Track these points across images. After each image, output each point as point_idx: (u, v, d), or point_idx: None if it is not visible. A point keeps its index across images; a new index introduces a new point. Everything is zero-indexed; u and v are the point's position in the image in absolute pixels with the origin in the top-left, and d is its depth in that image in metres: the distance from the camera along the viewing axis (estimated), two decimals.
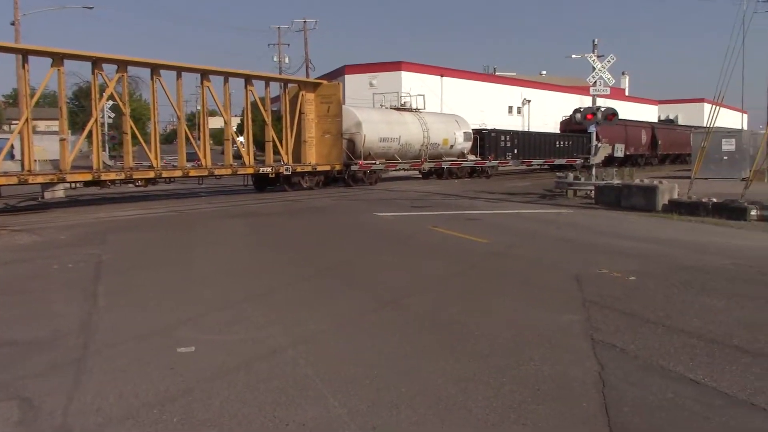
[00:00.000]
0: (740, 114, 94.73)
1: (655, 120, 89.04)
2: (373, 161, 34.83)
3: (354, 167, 33.58)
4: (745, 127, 70.07)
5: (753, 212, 18.14)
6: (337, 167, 33.33)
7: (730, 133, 39.44)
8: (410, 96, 41.63)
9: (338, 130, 33.14)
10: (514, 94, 72.72)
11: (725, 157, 36.60)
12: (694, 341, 6.80)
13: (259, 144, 35.12)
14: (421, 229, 16.64)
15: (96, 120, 24.27)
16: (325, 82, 35.83)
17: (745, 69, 21.93)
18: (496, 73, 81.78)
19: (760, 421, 4.89)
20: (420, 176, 42.07)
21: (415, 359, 6.35)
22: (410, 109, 40.02)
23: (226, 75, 29.56)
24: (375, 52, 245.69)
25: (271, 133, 31.10)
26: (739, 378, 5.76)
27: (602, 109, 24.52)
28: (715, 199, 19.44)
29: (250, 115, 30.69)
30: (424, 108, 41.63)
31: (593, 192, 24.14)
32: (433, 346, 6.80)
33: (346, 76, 61.16)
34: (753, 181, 22.38)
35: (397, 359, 6.37)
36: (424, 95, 42.57)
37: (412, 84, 53.27)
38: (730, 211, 18.55)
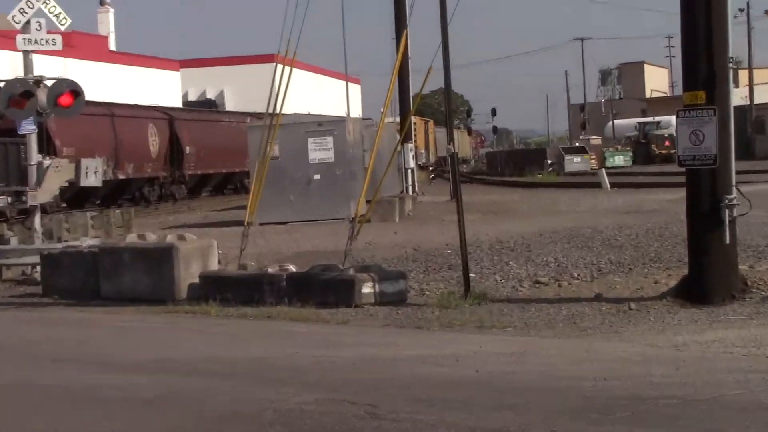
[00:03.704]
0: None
1: (177, 102, 49.67)
2: None
3: None
4: (355, 114, 42.87)
5: (366, 289, 8.90)
6: None
7: (323, 125, 21.11)
8: None
9: None
10: None
11: (317, 176, 20.17)
12: None
13: None
14: None
15: None
16: None
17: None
18: None
19: None
20: None
21: None
22: None
23: None
24: None
25: None
26: None
27: (49, 84, 12.27)
28: (293, 267, 9.66)
29: None
30: None
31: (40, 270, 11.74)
32: None
33: None
34: (367, 220, 11.96)
35: None
36: None
37: None
38: (324, 289, 9.04)
